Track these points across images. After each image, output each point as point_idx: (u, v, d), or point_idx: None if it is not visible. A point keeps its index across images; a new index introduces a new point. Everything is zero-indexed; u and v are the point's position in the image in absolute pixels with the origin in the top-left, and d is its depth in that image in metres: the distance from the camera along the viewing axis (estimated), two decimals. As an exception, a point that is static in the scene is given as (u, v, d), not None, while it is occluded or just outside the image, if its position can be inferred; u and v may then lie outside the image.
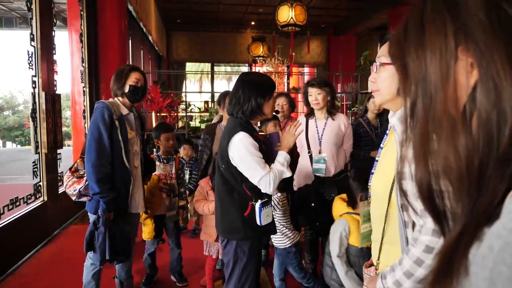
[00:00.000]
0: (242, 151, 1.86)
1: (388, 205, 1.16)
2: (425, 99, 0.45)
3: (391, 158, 1.16)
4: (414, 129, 0.47)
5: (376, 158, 1.29)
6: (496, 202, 0.42)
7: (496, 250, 0.38)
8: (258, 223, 1.91)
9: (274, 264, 2.72)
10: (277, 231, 2.49)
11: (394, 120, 1.13)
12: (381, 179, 1.22)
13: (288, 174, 1.97)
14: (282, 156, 1.98)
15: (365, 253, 1.77)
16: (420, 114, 0.46)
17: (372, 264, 1.31)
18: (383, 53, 1.14)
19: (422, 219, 1.01)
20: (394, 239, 1.14)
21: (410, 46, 0.48)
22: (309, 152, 2.93)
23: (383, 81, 1.13)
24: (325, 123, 2.90)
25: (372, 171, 1.30)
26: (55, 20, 4.35)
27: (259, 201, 1.91)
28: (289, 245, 2.54)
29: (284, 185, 2.52)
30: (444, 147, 0.44)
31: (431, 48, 0.45)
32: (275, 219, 2.47)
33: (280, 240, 2.55)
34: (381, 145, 1.28)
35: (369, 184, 1.32)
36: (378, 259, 1.25)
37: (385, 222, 1.19)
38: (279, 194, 2.52)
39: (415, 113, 0.47)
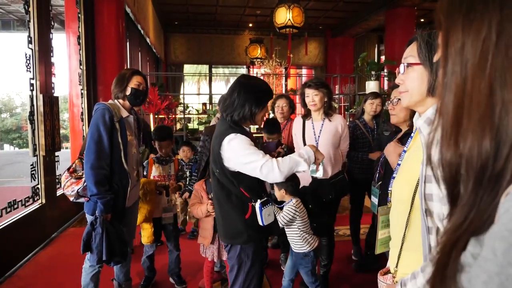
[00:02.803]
0: (235, 148, 1.82)
1: (411, 210, 1.13)
2: (462, 73, 0.45)
3: (415, 161, 1.13)
4: (447, 105, 0.47)
5: (398, 162, 1.27)
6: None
7: (500, 252, 0.37)
8: (260, 223, 1.88)
9: (287, 265, 2.72)
10: (298, 236, 2.52)
11: (420, 122, 1.09)
12: (404, 183, 1.19)
13: (304, 166, 1.86)
14: (305, 150, 1.93)
15: None
16: (455, 89, 0.46)
17: (388, 272, 1.27)
18: (410, 54, 1.11)
19: None
20: (415, 246, 1.10)
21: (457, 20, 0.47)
22: (306, 154, 2.94)
23: (412, 81, 1.10)
24: (322, 124, 2.90)
25: (394, 175, 1.27)
26: (52, 23, 4.35)
27: (259, 201, 1.87)
28: (308, 250, 2.54)
29: (294, 190, 2.53)
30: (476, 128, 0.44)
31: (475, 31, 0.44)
32: (296, 227, 2.50)
33: (300, 245, 2.54)
34: (404, 149, 1.26)
35: (389, 189, 1.29)
36: (396, 267, 1.21)
37: (406, 228, 1.15)
38: (294, 201, 2.51)
39: (449, 86, 0.47)
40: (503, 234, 0.38)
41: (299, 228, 2.53)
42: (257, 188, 1.92)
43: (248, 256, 1.93)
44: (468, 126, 0.44)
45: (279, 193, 2.55)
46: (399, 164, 1.26)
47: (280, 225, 2.50)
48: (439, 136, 0.48)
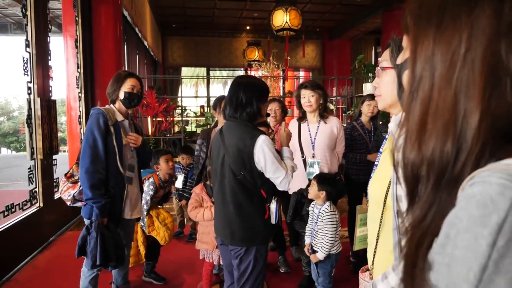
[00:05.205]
0: (267, 154, 1.87)
1: (383, 209, 1.16)
2: (430, 81, 0.48)
3: (388, 162, 1.15)
4: (414, 110, 0.49)
5: (376, 163, 1.30)
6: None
7: (452, 237, 0.41)
8: (273, 222, 1.99)
9: (312, 270, 2.73)
10: (329, 237, 2.56)
11: (392, 125, 1.12)
12: (378, 183, 1.22)
13: (296, 167, 2.07)
14: (287, 151, 2.08)
15: None
16: (422, 94, 0.49)
17: (368, 269, 1.30)
18: (384, 58, 1.14)
19: None
20: (388, 244, 1.13)
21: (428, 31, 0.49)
22: (302, 157, 2.95)
23: (385, 85, 1.13)
24: (318, 126, 2.92)
25: (371, 175, 1.31)
26: (50, 26, 4.35)
27: (274, 202, 1.98)
28: (333, 252, 2.56)
29: (332, 196, 2.59)
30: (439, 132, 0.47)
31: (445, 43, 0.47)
32: (329, 229, 2.54)
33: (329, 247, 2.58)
34: (380, 150, 1.28)
35: (367, 188, 1.32)
36: (372, 264, 1.23)
37: (379, 227, 1.18)
38: (327, 204, 2.53)
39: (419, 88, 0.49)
40: (453, 221, 0.42)
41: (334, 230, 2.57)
42: (273, 189, 1.99)
43: (262, 256, 1.96)
44: (432, 131, 0.47)
45: (316, 193, 2.54)
46: (376, 165, 1.29)
47: (327, 249, 2.51)
48: (404, 137, 0.51)
